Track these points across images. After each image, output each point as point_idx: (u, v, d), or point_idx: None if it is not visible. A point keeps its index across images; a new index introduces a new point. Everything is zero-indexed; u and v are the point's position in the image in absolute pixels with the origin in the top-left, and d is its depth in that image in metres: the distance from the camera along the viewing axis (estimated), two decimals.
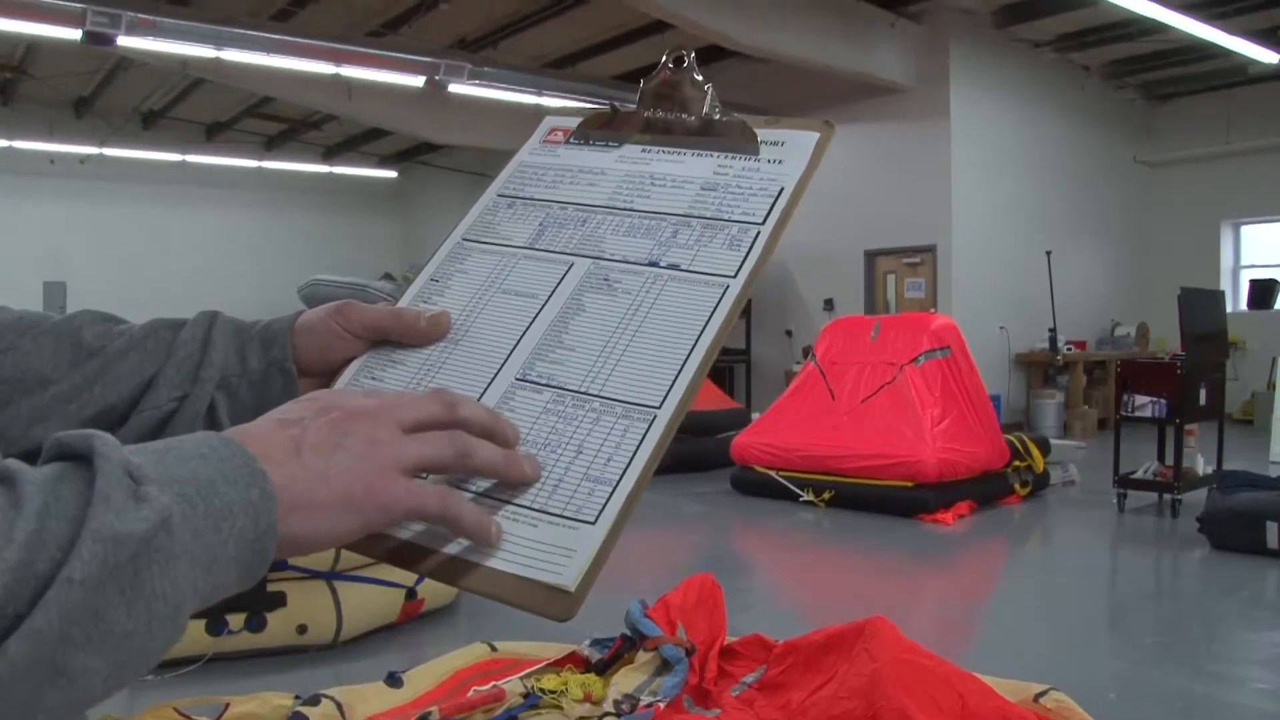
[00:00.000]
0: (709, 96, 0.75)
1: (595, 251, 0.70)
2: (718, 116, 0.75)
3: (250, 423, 0.52)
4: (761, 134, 0.73)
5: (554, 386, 0.62)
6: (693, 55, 0.75)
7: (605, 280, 0.68)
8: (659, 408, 0.58)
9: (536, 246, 0.72)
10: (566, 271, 0.69)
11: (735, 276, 0.65)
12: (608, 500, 0.54)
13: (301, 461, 0.49)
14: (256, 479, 0.47)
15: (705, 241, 0.68)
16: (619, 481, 0.55)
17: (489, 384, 0.63)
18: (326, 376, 0.69)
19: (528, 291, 0.69)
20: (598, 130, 0.79)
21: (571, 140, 0.80)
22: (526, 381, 0.63)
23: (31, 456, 0.64)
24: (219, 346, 0.68)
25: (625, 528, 0.53)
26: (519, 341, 0.65)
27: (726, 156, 0.73)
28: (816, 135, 0.72)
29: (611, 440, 0.57)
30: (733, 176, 0.71)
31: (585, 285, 0.68)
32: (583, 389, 0.61)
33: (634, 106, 0.78)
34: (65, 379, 0.66)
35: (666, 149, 0.75)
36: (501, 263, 0.72)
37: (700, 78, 0.75)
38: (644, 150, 0.76)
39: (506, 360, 0.64)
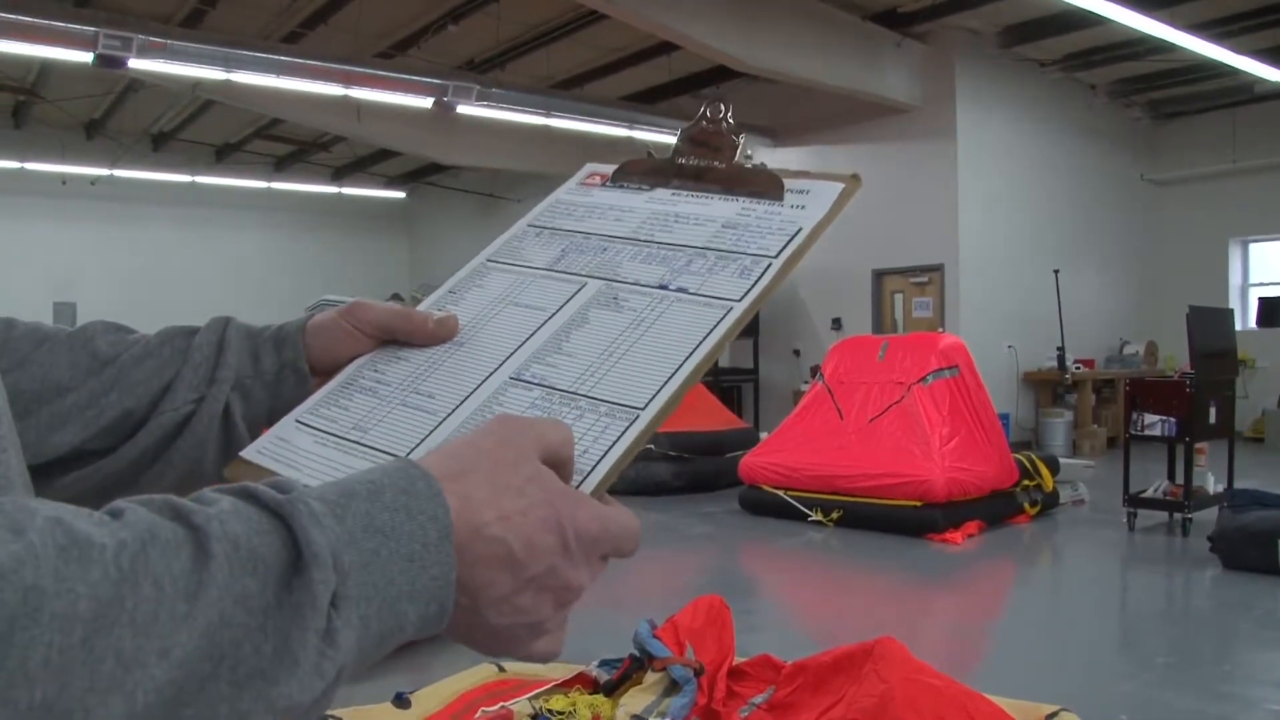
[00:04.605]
0: (741, 147, 0.79)
1: (610, 275, 0.73)
2: (749, 165, 0.79)
3: (480, 516, 0.47)
4: (789, 183, 0.76)
5: (545, 386, 0.64)
6: (729, 107, 0.80)
7: (614, 299, 0.71)
8: (643, 409, 0.60)
9: (555, 269, 0.76)
10: (578, 290, 0.73)
11: (740, 301, 0.67)
12: (577, 488, 0.56)
13: (479, 615, 0.48)
14: (439, 595, 0.45)
15: (718, 270, 0.71)
16: (590, 472, 0.56)
17: (482, 382, 0.66)
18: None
19: (538, 305, 0.72)
20: (633, 175, 0.84)
21: (608, 184, 0.85)
22: (519, 380, 0.65)
23: (51, 465, 0.65)
24: (233, 349, 0.71)
25: None
26: (520, 346, 0.69)
27: (752, 201, 0.77)
28: (841, 185, 0.75)
29: (591, 435, 0.59)
30: (754, 218, 0.75)
31: (594, 302, 0.71)
32: (572, 389, 0.63)
33: (669, 154, 0.83)
34: (83, 386, 0.67)
35: (695, 193, 0.80)
36: (518, 280, 0.76)
37: (733, 123, 0.79)
38: (674, 194, 0.81)
39: (504, 362, 0.67)
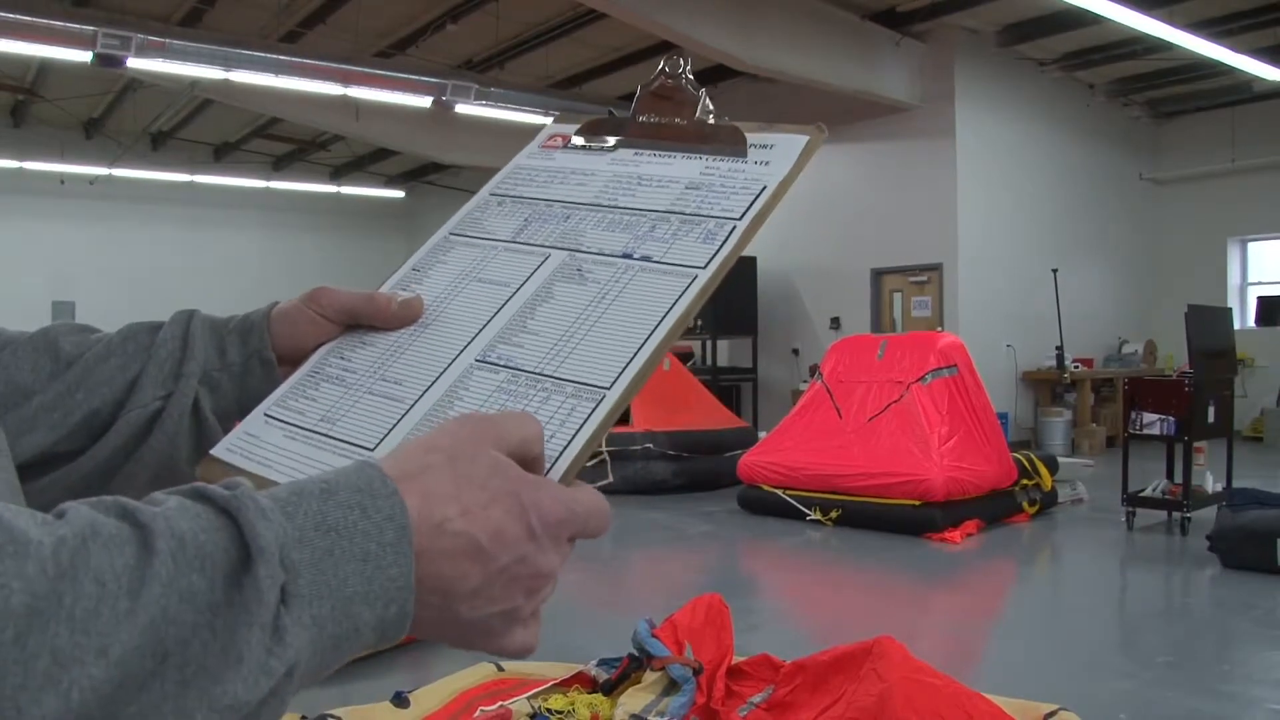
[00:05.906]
0: (702, 101, 0.77)
1: (573, 245, 0.72)
2: (711, 121, 0.76)
3: (442, 512, 0.46)
4: (752, 138, 0.74)
5: (510, 368, 0.63)
6: (688, 62, 0.77)
7: (578, 270, 0.69)
8: (609, 388, 0.59)
9: (518, 240, 0.75)
10: (542, 263, 0.71)
11: (705, 268, 0.66)
12: (546, 473, 0.54)
13: (452, 611, 0.47)
14: (399, 597, 0.44)
15: (681, 235, 0.69)
16: (558, 458, 0.55)
17: (448, 365, 0.65)
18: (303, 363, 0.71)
19: (501, 280, 0.71)
20: (594, 135, 0.82)
21: (569, 146, 0.82)
22: (485, 363, 0.64)
23: (22, 470, 0.64)
24: (198, 343, 0.70)
25: None
26: (485, 326, 0.67)
27: (715, 159, 0.74)
28: (806, 138, 0.73)
29: (557, 418, 0.58)
30: (718, 177, 0.73)
31: (558, 275, 0.69)
32: (538, 370, 0.62)
33: (630, 113, 0.80)
34: (48, 388, 0.66)
35: (658, 152, 0.77)
36: (481, 255, 0.74)
37: (693, 78, 0.77)
38: (636, 153, 0.78)
39: (469, 343, 0.66)
